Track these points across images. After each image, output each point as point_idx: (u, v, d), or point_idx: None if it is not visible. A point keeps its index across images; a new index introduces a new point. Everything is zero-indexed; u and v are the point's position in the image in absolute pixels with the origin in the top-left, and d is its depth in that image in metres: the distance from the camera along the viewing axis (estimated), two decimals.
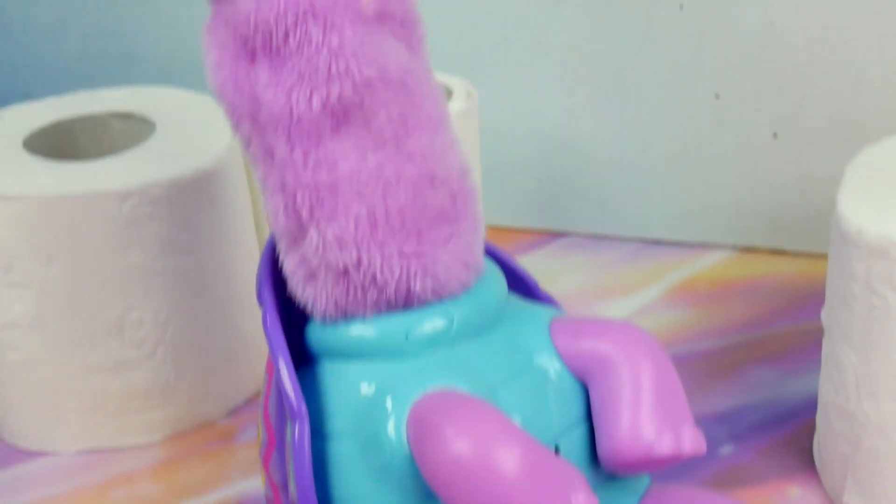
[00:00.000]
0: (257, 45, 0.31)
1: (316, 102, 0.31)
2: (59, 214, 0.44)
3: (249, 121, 0.32)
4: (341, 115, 0.31)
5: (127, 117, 0.52)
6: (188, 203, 0.46)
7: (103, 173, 0.46)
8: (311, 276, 0.33)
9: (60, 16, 0.69)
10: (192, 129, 0.49)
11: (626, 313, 0.56)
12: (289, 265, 0.34)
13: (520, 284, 0.39)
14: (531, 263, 0.61)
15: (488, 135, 0.60)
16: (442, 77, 0.53)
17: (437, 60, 0.60)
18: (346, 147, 0.31)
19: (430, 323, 0.33)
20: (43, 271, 0.45)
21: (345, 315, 0.33)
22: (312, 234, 0.32)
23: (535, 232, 0.64)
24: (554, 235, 0.64)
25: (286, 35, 0.30)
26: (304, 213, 0.32)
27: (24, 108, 0.52)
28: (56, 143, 0.51)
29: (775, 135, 0.58)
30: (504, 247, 0.62)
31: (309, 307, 0.34)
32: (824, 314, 0.43)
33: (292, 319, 0.35)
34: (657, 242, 0.62)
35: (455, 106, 0.51)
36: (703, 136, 0.59)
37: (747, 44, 0.57)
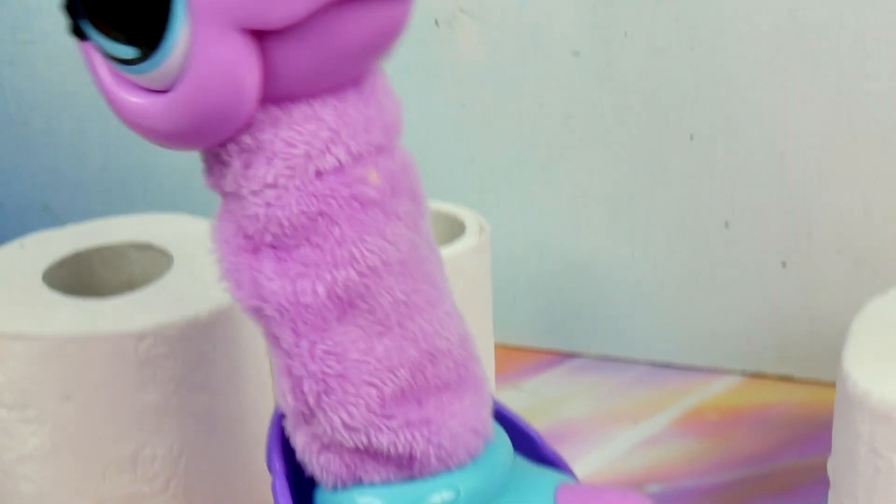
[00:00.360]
0: (262, 242, 0.31)
1: (321, 292, 0.30)
2: (75, 354, 0.45)
3: (255, 313, 0.32)
4: (347, 304, 0.31)
5: (145, 248, 0.52)
6: (204, 342, 0.47)
7: (120, 312, 0.46)
8: (322, 449, 0.33)
9: (81, 128, 0.70)
10: (209, 262, 0.50)
11: (634, 443, 0.56)
12: (298, 440, 0.34)
13: (525, 441, 0.39)
14: (540, 385, 0.62)
15: (499, 256, 0.61)
16: (453, 209, 0.54)
17: (448, 189, 0.61)
18: (353, 336, 0.31)
19: (438, 496, 0.34)
20: (59, 408, 0.46)
21: (354, 483, 0.34)
22: (320, 418, 0.32)
23: (545, 352, 0.65)
24: (564, 356, 0.64)
25: (294, 231, 0.30)
26: (311, 401, 0.32)
27: (44, 237, 0.53)
28: (75, 274, 0.51)
29: (784, 264, 0.58)
30: (514, 367, 0.63)
31: (318, 476, 0.34)
32: (830, 467, 0.43)
33: (301, 484, 0.35)
34: (666, 366, 0.63)
35: (467, 242, 0.51)
36: (713, 262, 0.60)
37: (756, 174, 0.58)
